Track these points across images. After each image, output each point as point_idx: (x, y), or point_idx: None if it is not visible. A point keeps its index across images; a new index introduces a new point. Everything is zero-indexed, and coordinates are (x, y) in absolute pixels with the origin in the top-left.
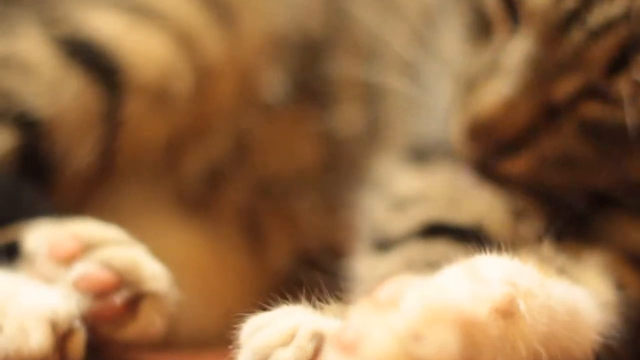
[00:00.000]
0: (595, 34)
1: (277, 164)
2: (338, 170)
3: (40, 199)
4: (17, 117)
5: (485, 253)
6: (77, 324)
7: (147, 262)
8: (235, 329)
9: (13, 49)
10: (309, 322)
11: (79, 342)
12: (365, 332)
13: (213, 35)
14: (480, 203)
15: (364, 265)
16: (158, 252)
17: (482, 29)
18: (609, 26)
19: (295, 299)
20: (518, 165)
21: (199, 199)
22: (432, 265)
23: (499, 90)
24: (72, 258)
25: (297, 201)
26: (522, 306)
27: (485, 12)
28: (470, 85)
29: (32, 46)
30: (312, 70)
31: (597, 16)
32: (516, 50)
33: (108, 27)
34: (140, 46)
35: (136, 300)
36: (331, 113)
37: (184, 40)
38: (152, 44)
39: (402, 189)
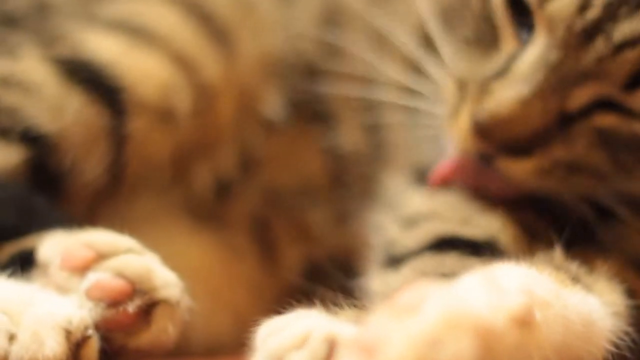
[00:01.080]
0: (620, 47)
1: (284, 176)
2: (346, 183)
3: (52, 209)
4: (23, 132)
5: (501, 263)
6: (91, 332)
7: (159, 270)
8: (247, 336)
9: (15, 68)
10: (323, 326)
11: (92, 350)
12: (384, 336)
13: (210, 56)
14: (493, 218)
15: (377, 280)
16: (169, 262)
17: (489, 37)
18: (632, 42)
19: (309, 305)
20: (524, 167)
21: (209, 209)
22: (445, 277)
23: (514, 91)
24: (85, 267)
25: (306, 212)
26: (539, 316)
27: (492, 21)
28: (482, 86)
29: (33, 66)
30: (310, 90)
31: (623, 30)
32: (533, 55)
33: (107, 48)
34: (138, 66)
35: (149, 308)
36: (333, 130)
37: (182, 61)
38: (150, 64)
39: (412, 209)
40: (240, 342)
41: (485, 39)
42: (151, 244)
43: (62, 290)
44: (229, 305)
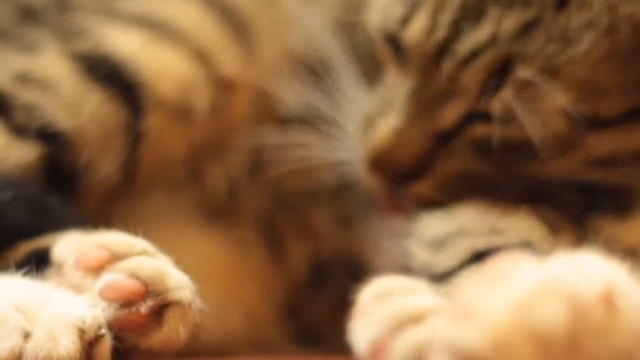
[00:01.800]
0: (465, 61)
1: (293, 176)
2: (353, 185)
3: (66, 208)
4: (39, 129)
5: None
6: (104, 331)
7: (172, 273)
8: (257, 333)
9: (34, 65)
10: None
11: (105, 349)
12: (478, 301)
13: (230, 51)
14: (520, 224)
15: None
16: (180, 261)
17: (374, 70)
18: (476, 53)
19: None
20: (422, 188)
21: (220, 208)
22: None
23: (388, 123)
24: (100, 267)
25: (314, 212)
26: (622, 303)
27: (375, 54)
28: (368, 121)
29: (52, 62)
30: (325, 92)
31: (465, 44)
32: (402, 85)
33: (126, 44)
34: (158, 61)
35: (161, 309)
36: (341, 132)
37: (201, 56)
38: (170, 59)
39: (436, 231)
40: (251, 338)
41: (373, 74)
42: (163, 240)
43: (76, 289)
44: (240, 302)
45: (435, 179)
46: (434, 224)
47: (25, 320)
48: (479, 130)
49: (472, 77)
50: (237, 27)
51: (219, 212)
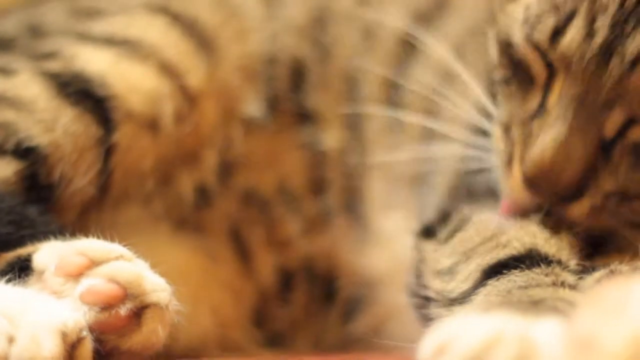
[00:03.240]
0: (632, 63)
1: (263, 178)
2: (325, 190)
3: (45, 219)
4: (16, 144)
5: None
6: (85, 333)
7: (149, 276)
8: (227, 338)
9: (8, 85)
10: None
11: (86, 351)
12: (596, 335)
13: (194, 62)
14: (523, 234)
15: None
16: (151, 268)
17: (524, 77)
18: None
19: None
20: (580, 210)
21: (188, 217)
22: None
23: (551, 136)
24: (79, 273)
25: (282, 217)
26: None
27: (524, 66)
28: (524, 128)
29: (25, 82)
30: (294, 93)
31: (630, 46)
32: (560, 96)
33: (96, 61)
34: (126, 76)
35: (139, 311)
36: (314, 128)
37: (167, 69)
38: (137, 74)
39: (445, 263)
40: (220, 342)
41: (520, 79)
42: (135, 249)
43: (57, 295)
44: (209, 307)
45: (595, 198)
46: (442, 255)
47: (10, 324)
48: (638, 134)
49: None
50: (201, 39)
51: (188, 220)
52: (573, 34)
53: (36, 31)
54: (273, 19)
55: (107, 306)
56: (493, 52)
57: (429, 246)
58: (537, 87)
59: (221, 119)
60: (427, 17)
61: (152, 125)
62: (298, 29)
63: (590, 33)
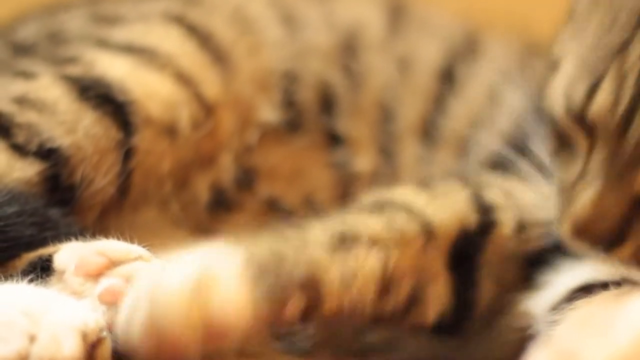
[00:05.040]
0: None
1: (287, 189)
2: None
3: (67, 220)
4: (39, 145)
5: None
6: (105, 334)
7: None
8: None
9: (30, 88)
10: None
11: (106, 350)
12: (578, 350)
13: (209, 72)
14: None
15: None
16: None
17: (568, 146)
18: None
19: None
20: (623, 254)
21: (207, 220)
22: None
23: (587, 194)
24: (99, 273)
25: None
26: None
27: (567, 137)
28: (568, 195)
29: (47, 85)
30: (324, 116)
31: None
32: (596, 157)
33: (116, 68)
34: (145, 83)
35: None
36: (344, 149)
37: (184, 78)
38: (155, 81)
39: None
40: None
41: (565, 148)
42: (152, 252)
43: (77, 295)
44: None
45: (636, 241)
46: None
47: (31, 323)
48: None
49: None
50: (216, 52)
51: (206, 224)
52: (601, 99)
53: (56, 37)
54: (293, 39)
55: None
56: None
57: None
58: (579, 155)
59: (237, 126)
60: (461, 55)
61: (169, 130)
62: (324, 53)
63: (616, 100)
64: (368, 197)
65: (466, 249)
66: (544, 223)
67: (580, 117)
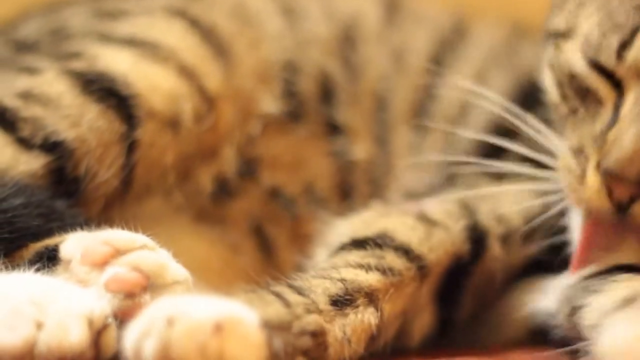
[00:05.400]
0: None
1: (288, 179)
2: (351, 195)
3: (72, 211)
4: (44, 139)
5: None
6: (110, 321)
7: (171, 265)
8: None
9: (34, 83)
10: None
11: (111, 337)
12: None
13: (211, 66)
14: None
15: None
16: (173, 258)
17: (591, 101)
18: None
19: None
20: None
21: (208, 210)
22: None
23: (632, 130)
24: (104, 262)
25: (307, 217)
26: None
27: (591, 91)
28: (598, 142)
29: (51, 80)
30: (324, 106)
31: None
32: (632, 100)
33: (119, 62)
34: (148, 76)
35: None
36: (344, 142)
37: (186, 72)
38: (158, 75)
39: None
40: None
41: (588, 104)
42: (156, 241)
43: (83, 283)
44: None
45: None
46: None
47: (38, 312)
48: None
49: None
50: (218, 45)
51: (209, 213)
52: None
53: (60, 33)
54: (293, 31)
55: (131, 294)
56: (552, 92)
57: None
58: (606, 106)
59: (239, 118)
60: (449, 43)
61: (172, 123)
62: (323, 43)
63: None
64: (369, 227)
65: (455, 277)
66: (528, 230)
67: (608, 70)
